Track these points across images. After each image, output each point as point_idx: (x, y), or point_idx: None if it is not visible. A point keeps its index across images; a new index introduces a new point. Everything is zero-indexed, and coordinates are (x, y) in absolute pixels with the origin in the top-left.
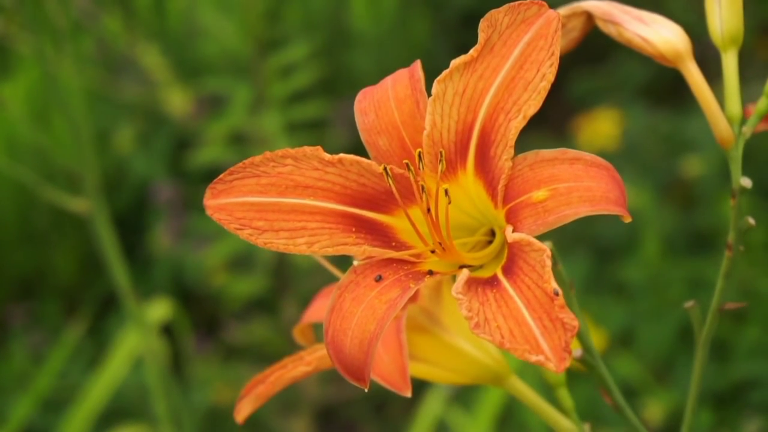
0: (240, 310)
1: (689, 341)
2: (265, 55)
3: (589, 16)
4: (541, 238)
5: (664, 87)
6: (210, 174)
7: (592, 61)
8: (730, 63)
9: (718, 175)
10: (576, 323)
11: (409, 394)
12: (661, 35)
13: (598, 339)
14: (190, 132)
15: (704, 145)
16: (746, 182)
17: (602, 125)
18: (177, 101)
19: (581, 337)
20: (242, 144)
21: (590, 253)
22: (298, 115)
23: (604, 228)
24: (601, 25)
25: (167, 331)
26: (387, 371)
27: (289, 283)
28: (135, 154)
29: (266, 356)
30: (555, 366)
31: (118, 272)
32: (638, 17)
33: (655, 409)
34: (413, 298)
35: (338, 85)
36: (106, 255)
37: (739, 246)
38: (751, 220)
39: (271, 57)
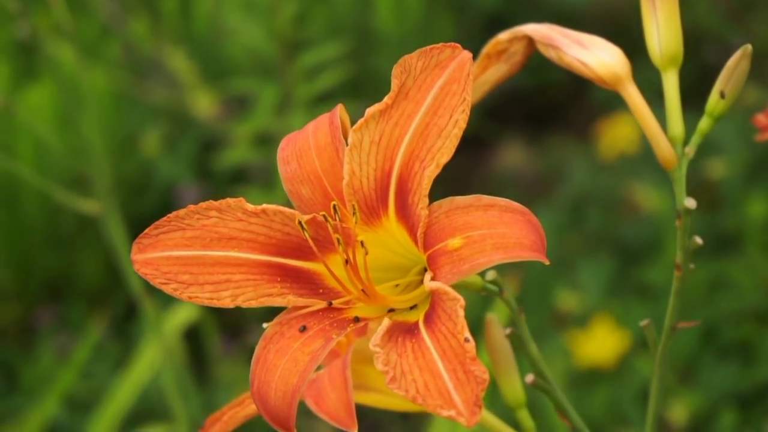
0: (264, 313)
1: (713, 343)
2: (292, 56)
3: (530, 40)
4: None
5: (687, 89)
6: (236, 175)
7: None
8: (670, 83)
9: (742, 177)
10: (486, 376)
11: (355, 429)
12: (599, 59)
13: (621, 341)
14: (217, 134)
15: (729, 146)
16: (690, 203)
17: (622, 129)
18: (204, 103)
19: (532, 362)
20: (268, 144)
21: (614, 255)
22: None
23: (628, 230)
24: (541, 49)
25: (194, 333)
26: (333, 408)
27: None
28: (161, 156)
29: None
30: (466, 420)
31: (131, 273)
32: (577, 40)
33: (679, 411)
34: (361, 332)
35: (363, 86)
36: (119, 256)
37: (688, 265)
38: (699, 240)
39: (298, 58)
